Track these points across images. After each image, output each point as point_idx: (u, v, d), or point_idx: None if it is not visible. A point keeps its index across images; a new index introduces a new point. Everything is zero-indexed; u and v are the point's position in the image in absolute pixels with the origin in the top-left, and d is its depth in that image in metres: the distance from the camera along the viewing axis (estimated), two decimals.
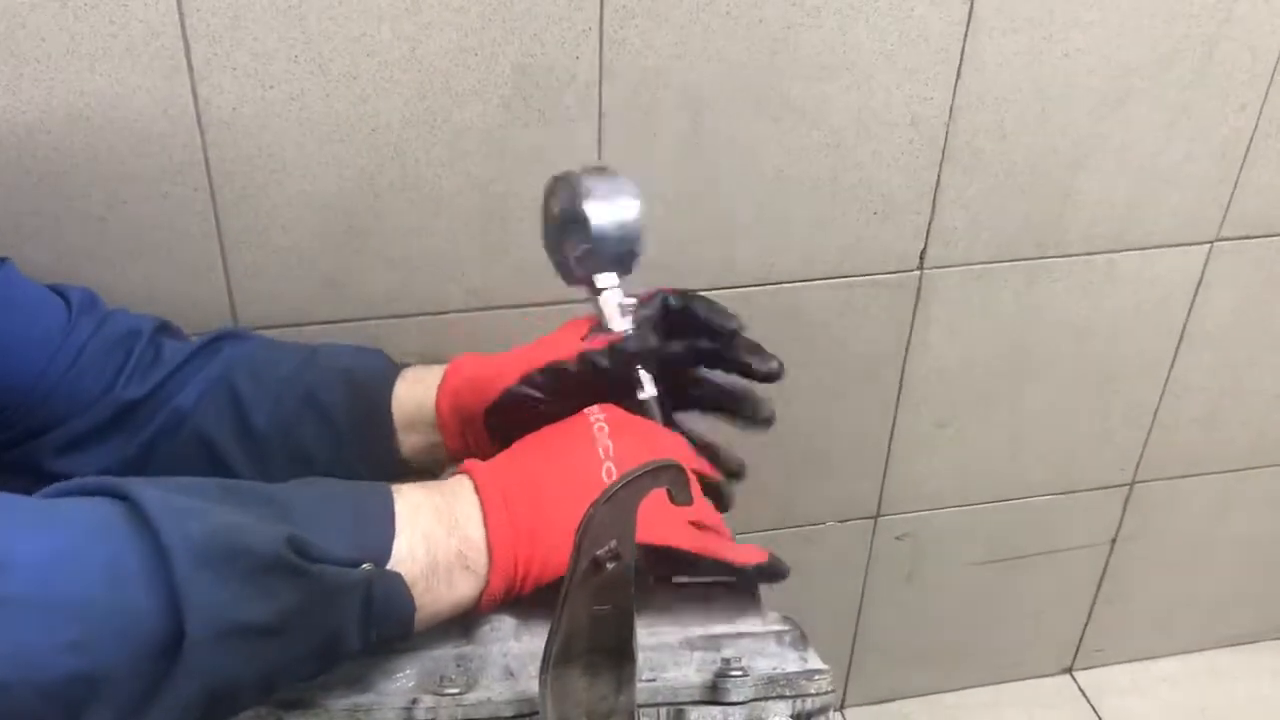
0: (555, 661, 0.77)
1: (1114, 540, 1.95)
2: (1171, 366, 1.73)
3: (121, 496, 0.65)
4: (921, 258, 1.51)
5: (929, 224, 1.48)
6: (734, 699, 0.83)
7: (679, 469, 0.70)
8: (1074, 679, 2.13)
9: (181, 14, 1.12)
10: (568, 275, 0.95)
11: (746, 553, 0.86)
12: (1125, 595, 2.04)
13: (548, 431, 0.88)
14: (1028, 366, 1.68)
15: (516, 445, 0.87)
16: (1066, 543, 1.92)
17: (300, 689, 0.78)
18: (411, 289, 1.33)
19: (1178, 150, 1.51)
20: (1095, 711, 2.09)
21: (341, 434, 0.94)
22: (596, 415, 0.88)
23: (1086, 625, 2.07)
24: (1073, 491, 1.85)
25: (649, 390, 0.90)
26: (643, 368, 0.90)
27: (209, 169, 1.21)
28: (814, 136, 1.37)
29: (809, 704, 0.85)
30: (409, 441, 0.96)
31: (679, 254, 1.40)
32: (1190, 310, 1.68)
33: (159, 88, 1.15)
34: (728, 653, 0.85)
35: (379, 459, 0.94)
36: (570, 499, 0.79)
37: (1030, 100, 1.42)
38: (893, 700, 2.05)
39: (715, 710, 0.83)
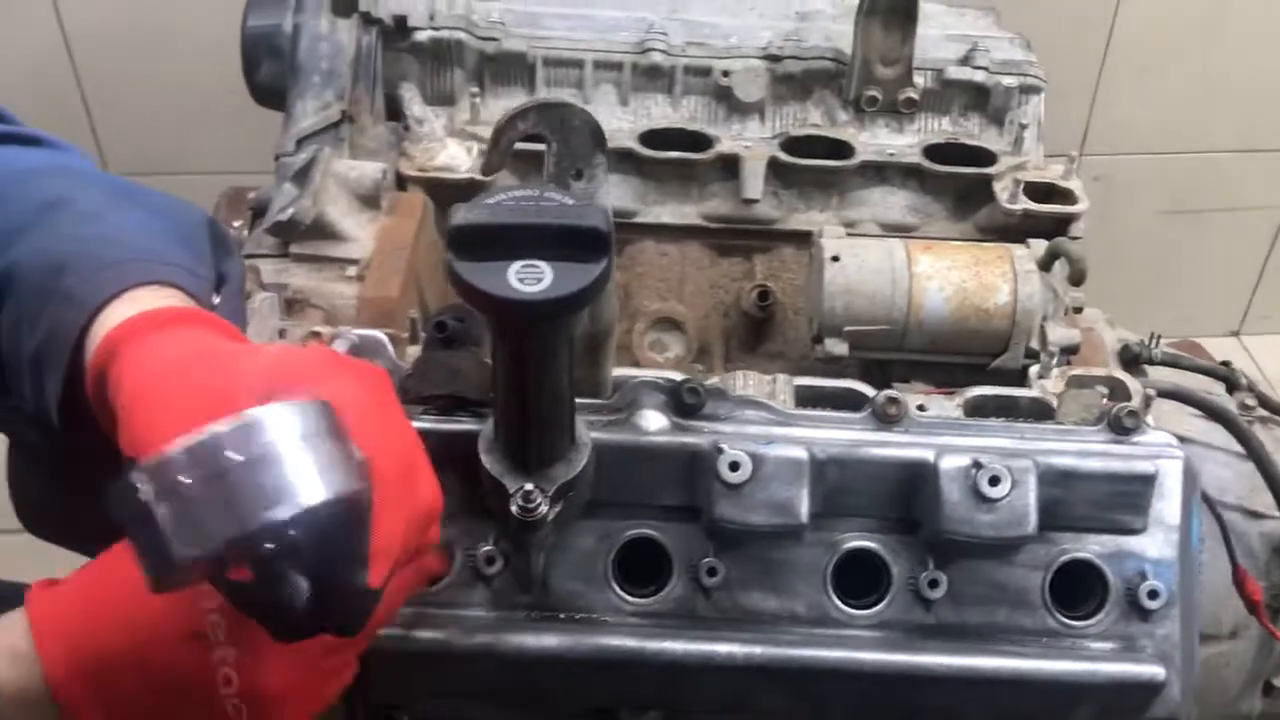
0: (865, 13, 1.21)
1: None
2: None
3: None
4: None
5: None
6: (979, 64, 1.26)
7: None
8: (1241, 342, 2.47)
9: None
10: None
11: None
12: None
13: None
14: (1223, 22, 2.00)
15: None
16: (1244, 202, 2.25)
17: None
18: None
19: None
20: (1261, 373, 2.41)
21: (22, 341, 0.74)
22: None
23: (1255, 291, 2.40)
24: (1253, 150, 2.17)
25: None
26: None
27: None
28: None
29: (1028, 81, 1.28)
30: None
31: None
32: None
33: None
34: (975, 43, 1.28)
35: (48, 396, 0.73)
36: None
37: None
38: None
39: (968, 70, 1.26)
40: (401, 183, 1.19)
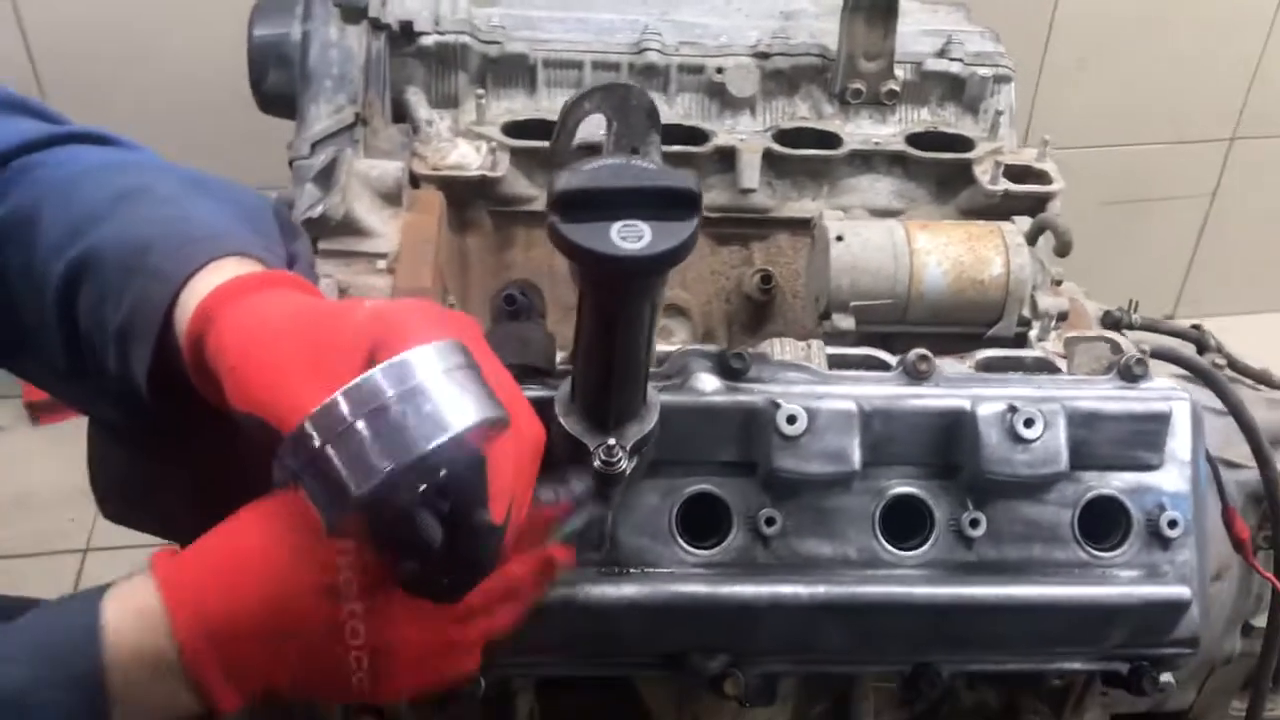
0: (850, 10, 1.28)
1: (1214, 193, 2.39)
2: (1273, 22, 2.16)
3: None
4: None
5: None
6: (955, 56, 1.33)
7: None
8: None
9: None
10: None
11: None
12: (1222, 249, 2.48)
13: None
14: (1154, 20, 2.12)
15: None
16: (1176, 190, 2.38)
17: None
18: None
19: None
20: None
21: (106, 318, 0.76)
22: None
23: (1187, 277, 2.53)
24: (1183, 142, 2.30)
25: None
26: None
27: None
28: None
29: (1000, 71, 1.36)
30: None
31: None
32: None
33: None
34: (949, 36, 1.36)
35: (135, 368, 0.75)
36: None
37: None
38: None
39: (944, 62, 1.33)
40: (414, 181, 1.23)
